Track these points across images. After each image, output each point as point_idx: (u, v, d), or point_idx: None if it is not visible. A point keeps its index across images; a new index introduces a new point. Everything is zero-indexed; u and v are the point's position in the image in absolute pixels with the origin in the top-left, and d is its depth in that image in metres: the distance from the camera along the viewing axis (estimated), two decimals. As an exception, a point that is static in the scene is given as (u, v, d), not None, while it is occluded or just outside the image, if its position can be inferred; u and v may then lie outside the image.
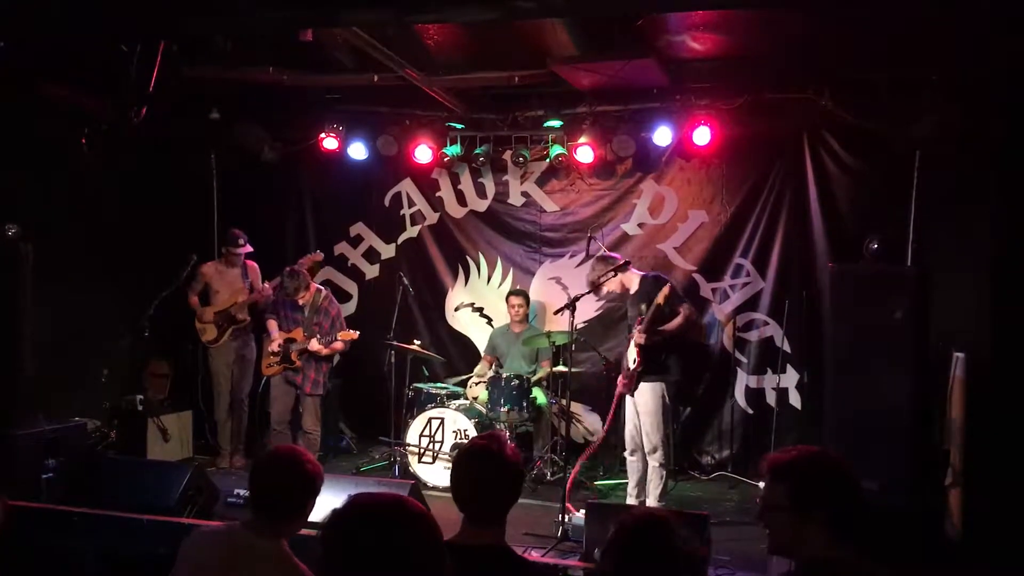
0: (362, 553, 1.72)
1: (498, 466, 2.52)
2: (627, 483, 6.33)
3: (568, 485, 5.83)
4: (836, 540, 2.28)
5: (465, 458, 2.61)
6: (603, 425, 6.71)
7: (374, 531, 1.73)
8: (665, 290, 5.86)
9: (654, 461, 6.02)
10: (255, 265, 7.71)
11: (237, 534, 2.75)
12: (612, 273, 6.03)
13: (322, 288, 7.28)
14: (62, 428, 6.36)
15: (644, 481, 6.17)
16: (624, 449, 6.30)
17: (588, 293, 6.16)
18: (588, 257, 7.74)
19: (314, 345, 6.90)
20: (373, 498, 1.82)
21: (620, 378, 6.17)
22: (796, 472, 2.33)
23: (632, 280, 6.18)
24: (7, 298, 6.22)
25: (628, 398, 6.14)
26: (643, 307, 5.97)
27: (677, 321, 5.96)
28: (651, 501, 6.03)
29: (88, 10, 4.81)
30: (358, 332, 6.98)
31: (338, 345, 7.03)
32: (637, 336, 5.90)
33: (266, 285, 7.31)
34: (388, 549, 1.72)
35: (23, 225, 6.30)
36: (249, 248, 7.53)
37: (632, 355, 5.98)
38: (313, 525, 4.23)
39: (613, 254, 6.50)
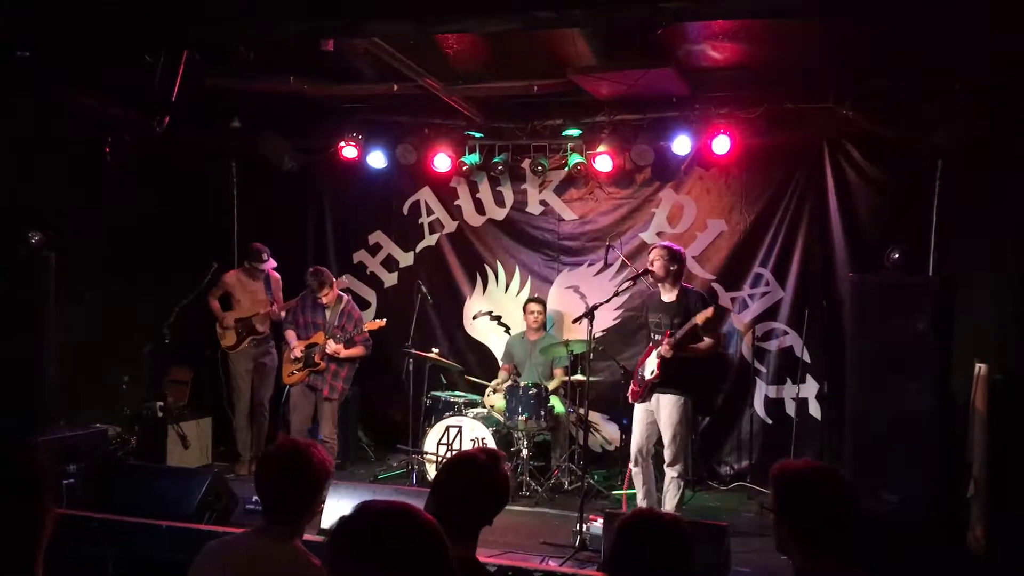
0: (365, 559, 1.74)
1: (470, 479, 2.60)
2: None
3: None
4: (813, 551, 2.43)
5: (443, 471, 2.75)
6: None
7: (378, 537, 1.75)
8: (708, 312, 5.73)
9: (673, 472, 5.92)
10: (278, 277, 7.77)
11: (250, 542, 2.69)
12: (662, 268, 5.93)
13: (343, 294, 7.35)
14: (83, 434, 6.40)
15: (652, 492, 6.10)
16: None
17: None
18: (607, 266, 7.75)
19: (331, 346, 6.96)
20: (379, 505, 1.85)
21: (632, 385, 6.13)
22: (776, 479, 2.56)
23: (672, 290, 6.00)
24: (30, 305, 6.28)
25: (641, 409, 6.08)
26: (677, 320, 5.86)
27: (703, 346, 5.89)
28: (668, 511, 5.96)
29: (112, 20, 4.87)
30: (384, 320, 7.09)
31: (358, 350, 7.10)
32: (664, 348, 5.80)
33: (277, 308, 7.49)
34: (392, 556, 1.74)
35: (46, 233, 6.38)
36: (273, 263, 7.64)
37: (652, 365, 5.92)
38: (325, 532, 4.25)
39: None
